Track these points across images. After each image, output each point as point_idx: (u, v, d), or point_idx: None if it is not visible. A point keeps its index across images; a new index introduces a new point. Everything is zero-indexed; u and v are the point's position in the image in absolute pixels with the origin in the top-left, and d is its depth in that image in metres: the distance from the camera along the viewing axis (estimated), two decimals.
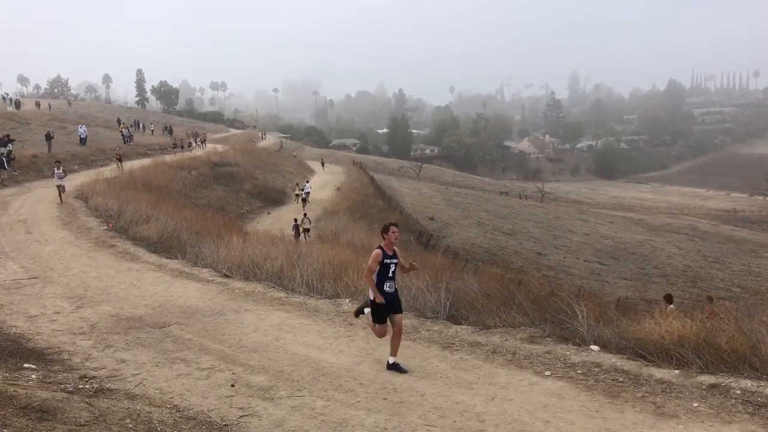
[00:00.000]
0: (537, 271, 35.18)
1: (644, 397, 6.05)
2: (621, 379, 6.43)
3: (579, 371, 6.75)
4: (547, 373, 6.83)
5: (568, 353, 7.18)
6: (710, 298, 16.03)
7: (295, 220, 29.85)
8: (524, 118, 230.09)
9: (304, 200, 38.24)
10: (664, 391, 6.08)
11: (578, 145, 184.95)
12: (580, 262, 44.21)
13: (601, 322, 7.88)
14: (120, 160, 35.15)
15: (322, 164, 68.04)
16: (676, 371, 6.39)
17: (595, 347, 7.25)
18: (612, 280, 39.44)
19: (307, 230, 28.96)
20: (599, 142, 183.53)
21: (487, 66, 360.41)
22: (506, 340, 7.81)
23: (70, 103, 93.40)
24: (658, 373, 6.41)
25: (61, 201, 21.80)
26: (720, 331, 6.82)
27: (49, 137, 36.76)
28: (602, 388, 6.33)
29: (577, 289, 16.46)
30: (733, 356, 6.40)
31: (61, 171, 23.03)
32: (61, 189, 22.38)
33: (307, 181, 43.15)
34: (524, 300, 9.11)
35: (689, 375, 6.28)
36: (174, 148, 49.84)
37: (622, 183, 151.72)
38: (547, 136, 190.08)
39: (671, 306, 14.12)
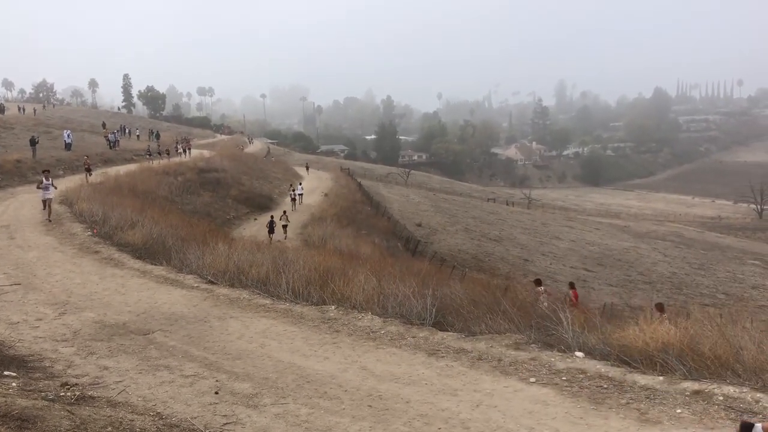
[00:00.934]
0: (523, 277, 35.25)
1: (628, 403, 6.07)
2: (605, 386, 6.45)
3: (564, 378, 6.76)
4: (532, 379, 6.84)
5: (553, 360, 7.20)
6: (660, 305, 16.29)
7: (272, 216, 30.30)
8: (511, 125, 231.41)
9: (294, 200, 40.68)
10: (648, 398, 6.11)
11: (565, 152, 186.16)
12: (567, 269, 44.38)
13: (586, 329, 7.91)
14: (88, 170, 31.38)
15: (307, 168, 69.11)
16: (660, 378, 6.42)
17: (579, 354, 7.27)
18: (598, 286, 39.60)
19: (285, 226, 29.42)
20: (586, 149, 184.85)
21: (474, 74, 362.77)
22: (492, 346, 7.82)
23: (44, 107, 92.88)
24: (643, 379, 6.44)
25: (49, 218, 18.91)
26: (703, 337, 6.87)
27: (33, 142, 36.47)
28: (587, 395, 6.34)
29: (563, 295, 16.49)
30: (716, 363, 6.44)
31: (50, 182, 19.96)
32: (48, 204, 19.51)
33: (300, 183, 46.00)
34: (510, 306, 9.12)
35: (673, 381, 6.31)
36: (150, 155, 45.01)
37: (609, 190, 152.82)
38: (534, 143, 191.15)
39: (664, 315, 14.57)
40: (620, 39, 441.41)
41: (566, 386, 6.58)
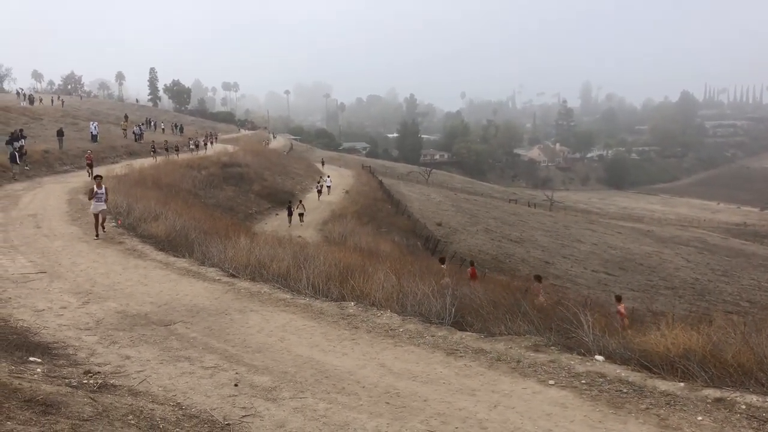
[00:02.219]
0: (544, 279, 35.05)
1: (648, 409, 6.01)
2: (625, 390, 6.40)
3: (583, 381, 6.71)
4: (551, 382, 6.80)
5: (572, 363, 7.15)
6: (618, 298, 18.02)
7: (290, 202, 34.50)
8: (535, 126, 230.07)
9: (319, 192, 44.65)
10: (668, 404, 6.04)
11: (589, 155, 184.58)
12: (588, 272, 44.03)
13: (606, 333, 7.85)
14: (90, 166, 29.27)
15: (322, 164, 71.41)
16: (681, 384, 6.34)
17: (599, 357, 7.21)
18: (619, 290, 39.15)
19: (301, 214, 33.27)
20: (610, 152, 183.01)
21: (499, 73, 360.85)
22: (511, 347, 7.79)
23: (81, 97, 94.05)
24: (663, 385, 6.37)
25: (98, 234, 15.67)
26: (726, 345, 6.78)
27: (60, 133, 37.06)
28: (606, 399, 6.29)
29: (584, 298, 16.32)
30: (739, 371, 6.35)
31: (102, 191, 16.00)
32: (101, 218, 15.89)
33: (328, 176, 50.77)
34: (530, 308, 9.09)
35: (694, 388, 6.24)
36: (155, 152, 41.02)
37: (632, 194, 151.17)
38: (558, 144, 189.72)
39: (620, 306, 15.10)
40: (648, 41, 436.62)
41: (585, 389, 6.54)
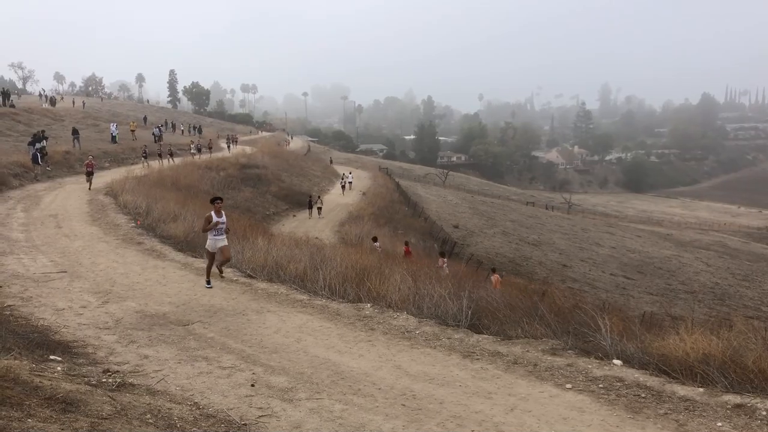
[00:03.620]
0: (561, 282, 34.86)
1: (667, 414, 5.95)
2: (643, 395, 6.34)
3: (600, 385, 6.67)
4: (568, 385, 6.76)
5: (590, 367, 7.10)
6: (494, 270, 22.08)
7: (310, 196, 38.25)
8: (553, 129, 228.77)
9: (343, 187, 49.72)
10: (687, 409, 5.98)
11: (607, 157, 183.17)
12: (606, 276, 43.70)
13: (624, 337, 7.78)
14: (90, 174, 25.58)
15: (331, 162, 74.26)
16: (701, 389, 6.27)
17: (617, 362, 7.15)
18: (637, 294, 38.90)
19: (319, 208, 36.85)
20: (629, 154, 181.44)
21: (517, 75, 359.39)
22: (528, 351, 7.75)
23: (102, 99, 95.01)
24: (682, 390, 6.30)
25: (209, 281, 11.33)
26: (747, 350, 6.69)
27: (75, 132, 37.55)
28: (624, 404, 6.24)
29: (602, 302, 16.24)
30: (759, 376, 6.26)
31: (223, 220, 11.55)
32: (221, 255, 11.47)
33: (350, 173, 55.58)
34: (547, 312, 9.03)
35: (714, 394, 6.16)
36: (145, 156, 36.59)
37: (651, 197, 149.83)
38: (576, 147, 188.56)
39: (494, 276, 16.28)
40: (668, 43, 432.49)
41: (603, 394, 6.49)
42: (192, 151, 45.93)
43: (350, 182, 51.51)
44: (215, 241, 11.33)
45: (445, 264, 21.28)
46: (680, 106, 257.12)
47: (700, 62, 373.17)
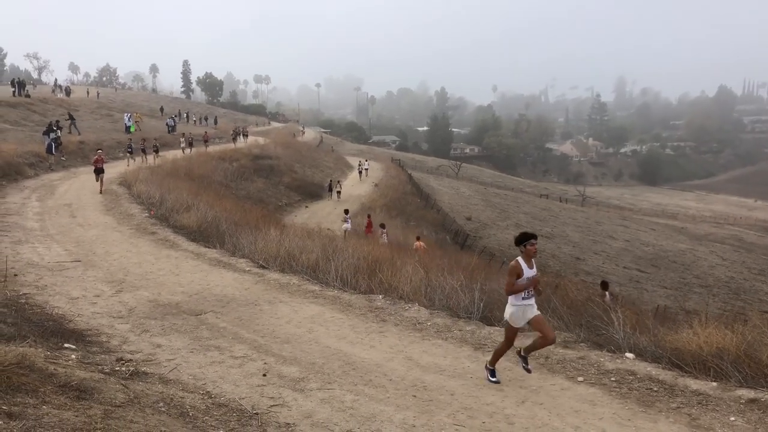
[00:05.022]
0: (575, 275, 34.71)
1: (679, 408, 5.92)
2: (655, 389, 6.31)
3: (612, 378, 6.64)
4: (580, 378, 6.74)
5: (602, 360, 7.07)
6: (418, 237, 23.42)
7: (330, 180, 42.74)
8: (568, 121, 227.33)
9: (360, 173, 53.84)
10: (700, 403, 5.95)
11: (622, 150, 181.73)
12: (620, 269, 43.48)
13: (637, 330, 7.74)
14: (100, 171, 22.32)
15: (332, 150, 75.96)
16: (714, 383, 6.23)
17: (630, 355, 7.12)
18: (651, 288, 38.69)
19: (338, 192, 40.41)
20: (644, 147, 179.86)
21: (532, 67, 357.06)
22: None
23: (116, 89, 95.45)
24: (695, 384, 6.27)
25: (524, 359, 7.45)
26: (762, 344, 6.63)
27: (71, 117, 37.84)
28: (636, 397, 6.22)
29: (615, 295, 16.19)
30: None
31: (535, 270, 6.78)
32: (540, 340, 6.72)
33: (367, 160, 59.03)
34: (560, 304, 9.00)
35: (727, 388, 6.12)
36: (131, 152, 31.45)
37: (666, 190, 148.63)
38: (591, 139, 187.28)
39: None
40: (684, 35, 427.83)
41: (615, 387, 6.47)
42: (182, 145, 40.05)
43: (366, 169, 54.77)
44: (523, 309, 6.65)
45: (385, 234, 23.33)
46: (696, 99, 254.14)
47: (717, 54, 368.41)
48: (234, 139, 52.45)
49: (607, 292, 16.62)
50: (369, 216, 26.02)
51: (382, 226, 24.89)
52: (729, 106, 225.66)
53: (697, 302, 32.30)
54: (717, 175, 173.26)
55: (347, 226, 24.83)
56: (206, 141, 44.52)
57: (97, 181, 22.23)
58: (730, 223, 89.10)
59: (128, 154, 31.58)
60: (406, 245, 21.37)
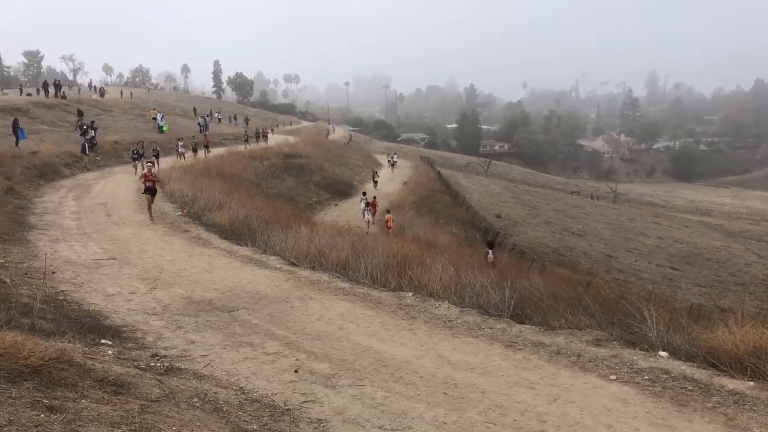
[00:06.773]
0: (606, 273, 34.33)
1: (715, 407, 5.82)
2: (690, 388, 6.22)
3: (646, 377, 6.56)
4: (613, 377, 6.67)
5: (635, 358, 6.99)
6: (388, 210, 26.59)
7: (374, 171, 45.99)
8: (599, 117, 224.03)
9: (392, 165, 56.34)
10: (736, 403, 5.84)
11: (655, 146, 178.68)
12: (652, 267, 42.84)
13: (671, 329, 7.62)
14: (153, 192, 17.72)
15: (350, 138, 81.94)
16: (751, 383, 6.12)
17: (663, 353, 7.02)
18: (685, 286, 38.06)
19: (376, 182, 42.69)
20: (677, 143, 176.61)
21: (562, 62, 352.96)
22: (571, 341, 7.66)
23: (148, 89, 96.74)
24: (731, 383, 6.16)
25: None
26: None
27: (80, 114, 38.46)
28: (670, 396, 6.13)
29: (648, 293, 15.91)
30: None
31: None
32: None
33: (395, 153, 63.21)
34: (592, 302, 8.91)
35: (765, 388, 6.00)
36: (136, 158, 27.19)
37: (700, 186, 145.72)
38: (623, 135, 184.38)
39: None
40: (719, 28, 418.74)
41: (648, 386, 6.39)
42: (180, 150, 34.48)
43: (396, 162, 57.48)
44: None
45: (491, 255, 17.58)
46: (731, 93, 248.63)
47: (752, 48, 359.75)
48: (247, 141, 46.94)
49: (490, 251, 16.66)
50: (388, 210, 28.06)
51: (388, 211, 27.87)
52: (766, 101, 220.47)
53: (732, 300, 31.71)
54: (753, 171, 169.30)
55: (369, 217, 27.04)
56: (207, 145, 39.39)
57: (147, 203, 17.50)
58: (767, 219, 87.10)
59: (133, 161, 28.03)
60: (436, 243, 21.30)
